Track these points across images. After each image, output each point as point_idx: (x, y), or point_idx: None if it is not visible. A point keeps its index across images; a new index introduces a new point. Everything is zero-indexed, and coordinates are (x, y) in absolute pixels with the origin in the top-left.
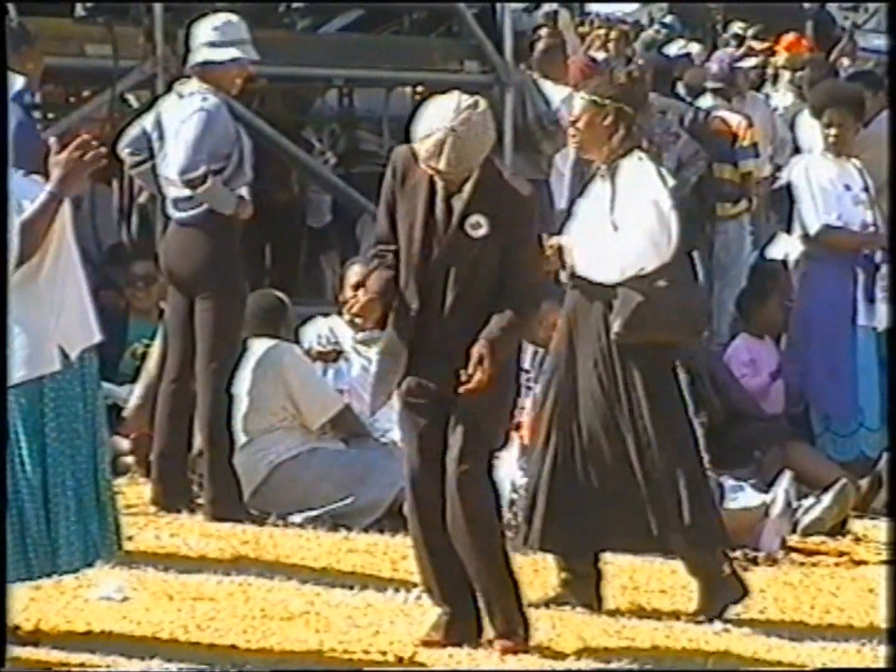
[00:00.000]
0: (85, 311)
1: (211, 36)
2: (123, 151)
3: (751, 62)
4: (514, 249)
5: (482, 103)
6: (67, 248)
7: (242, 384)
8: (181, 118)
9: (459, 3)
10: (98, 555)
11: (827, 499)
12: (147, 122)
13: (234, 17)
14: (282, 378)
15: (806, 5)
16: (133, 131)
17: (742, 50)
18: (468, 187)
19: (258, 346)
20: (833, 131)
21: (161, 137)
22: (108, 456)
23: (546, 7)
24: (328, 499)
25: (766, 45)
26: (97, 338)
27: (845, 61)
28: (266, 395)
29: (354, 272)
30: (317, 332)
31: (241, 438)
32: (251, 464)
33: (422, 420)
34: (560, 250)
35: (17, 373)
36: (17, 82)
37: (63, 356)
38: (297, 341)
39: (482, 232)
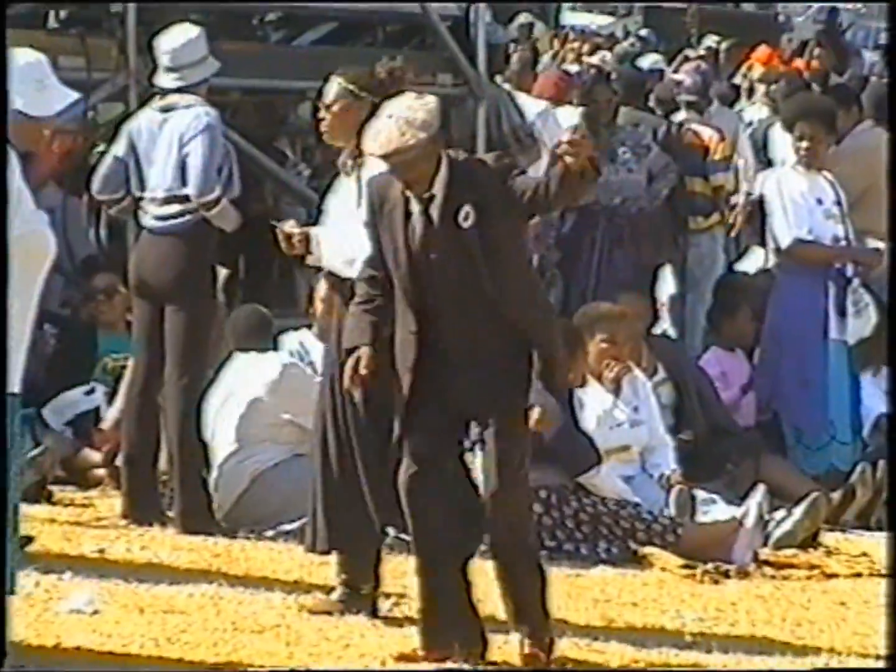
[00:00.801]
0: (17, 354)
1: (197, 53)
2: (100, 195)
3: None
4: (505, 227)
5: (428, 97)
6: (33, 286)
7: (240, 393)
8: (185, 131)
9: (433, 17)
10: None
11: (798, 511)
12: (118, 149)
13: (195, 28)
14: (293, 400)
15: (780, 19)
16: (104, 168)
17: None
18: (439, 187)
19: (246, 360)
20: (804, 144)
21: (138, 159)
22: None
23: (521, 19)
24: (301, 512)
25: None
26: (15, 388)
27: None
28: (269, 409)
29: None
30: (288, 347)
31: (225, 447)
32: (236, 472)
33: (432, 427)
34: (307, 239)
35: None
36: None
37: None
38: None
39: (472, 220)
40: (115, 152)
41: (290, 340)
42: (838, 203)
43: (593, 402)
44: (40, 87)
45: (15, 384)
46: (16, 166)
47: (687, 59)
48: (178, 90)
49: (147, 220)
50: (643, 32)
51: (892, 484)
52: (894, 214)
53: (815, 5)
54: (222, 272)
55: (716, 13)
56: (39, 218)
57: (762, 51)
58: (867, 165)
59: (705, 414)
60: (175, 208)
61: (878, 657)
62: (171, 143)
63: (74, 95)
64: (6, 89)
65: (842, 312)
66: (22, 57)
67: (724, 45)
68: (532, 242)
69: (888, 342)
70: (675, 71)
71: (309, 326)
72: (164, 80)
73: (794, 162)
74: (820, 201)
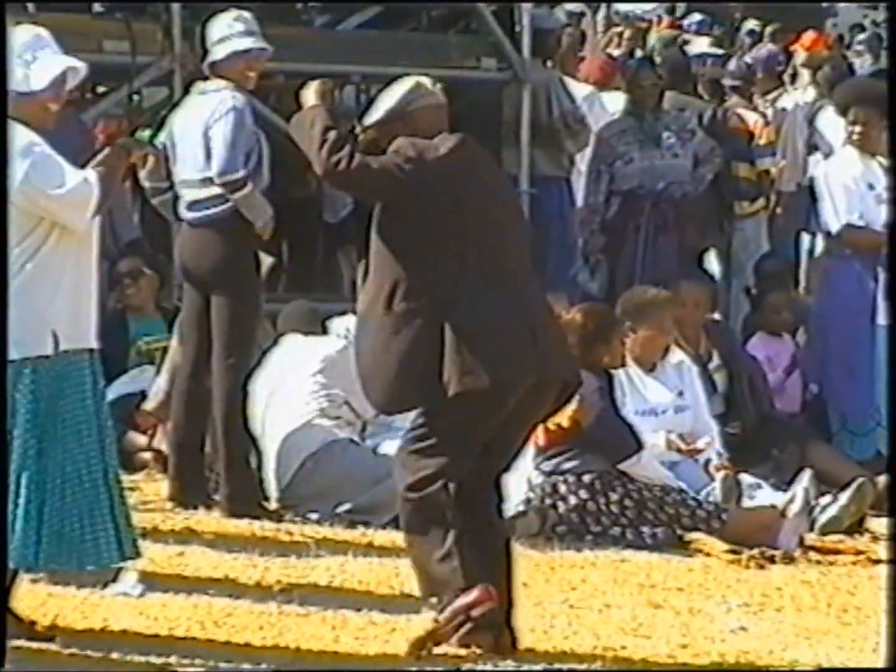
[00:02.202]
0: (87, 312)
1: (218, 34)
2: (145, 182)
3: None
4: None
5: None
6: (89, 240)
7: (299, 371)
8: (210, 114)
9: (477, 1)
10: (111, 557)
11: (844, 497)
12: (163, 136)
13: (240, 12)
14: (349, 379)
15: (825, 3)
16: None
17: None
18: None
19: (298, 342)
20: (858, 129)
21: (174, 143)
22: (116, 455)
23: (569, 6)
24: (351, 495)
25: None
26: (93, 343)
27: (865, 59)
28: (327, 385)
29: None
30: (335, 332)
31: (283, 424)
32: (294, 449)
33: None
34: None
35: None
36: None
37: (54, 344)
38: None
39: None
40: (160, 139)
41: (337, 325)
42: (891, 188)
43: (638, 387)
44: (30, 62)
45: (91, 340)
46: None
47: (733, 45)
48: (210, 71)
49: (182, 211)
50: (695, 17)
51: (892, 484)
52: (893, 211)
53: None
54: (267, 260)
55: None
56: (74, 172)
57: (807, 36)
58: None
59: (755, 402)
60: (205, 193)
61: None
62: (198, 127)
63: (64, 63)
64: (6, 90)
65: (890, 298)
66: (19, 35)
67: (768, 30)
68: (577, 227)
69: (888, 340)
70: (725, 59)
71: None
72: (212, 53)
73: (847, 146)
74: (871, 186)
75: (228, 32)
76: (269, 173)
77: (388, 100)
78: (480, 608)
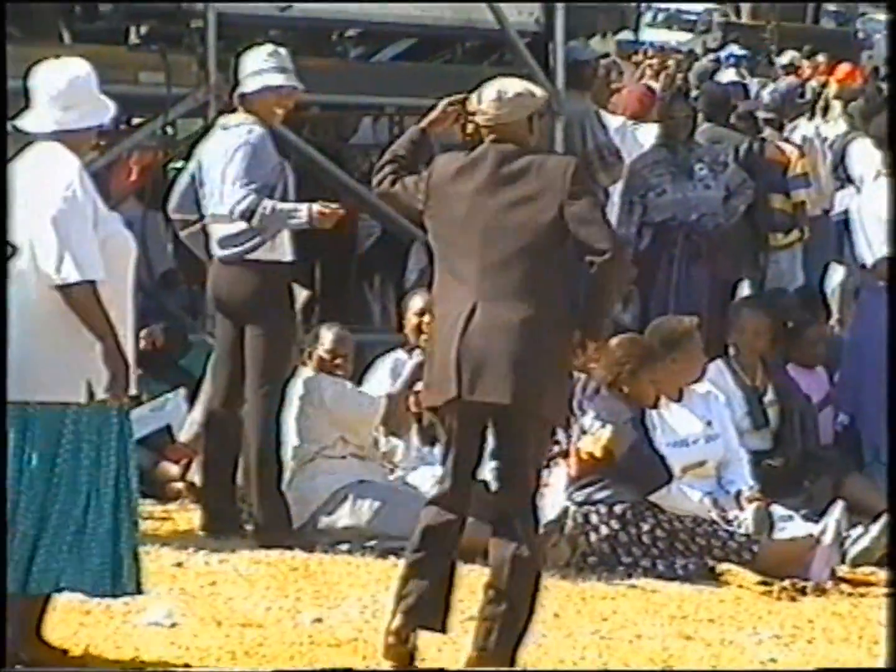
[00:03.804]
0: (124, 359)
1: (251, 67)
2: (174, 214)
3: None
4: None
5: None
6: (124, 286)
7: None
8: (225, 150)
9: (511, 33)
10: (105, 588)
11: (876, 529)
12: (192, 166)
13: (275, 48)
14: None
15: (860, 35)
16: (181, 185)
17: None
18: None
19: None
20: None
21: (202, 178)
22: (137, 502)
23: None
24: (383, 532)
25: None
26: (132, 390)
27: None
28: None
29: (418, 301)
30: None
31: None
32: (312, 487)
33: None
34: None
35: (39, 393)
36: None
37: (89, 393)
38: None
39: None
40: (191, 169)
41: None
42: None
43: (667, 419)
44: (69, 108)
45: (132, 388)
46: (83, 176)
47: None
48: (239, 103)
49: (213, 247)
50: (733, 49)
51: (891, 482)
52: (894, 225)
53: None
54: (302, 293)
55: (794, 29)
56: (115, 219)
57: (841, 68)
58: None
59: (804, 440)
60: (234, 229)
61: None
62: (218, 163)
63: (101, 117)
64: (6, 89)
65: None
66: (56, 72)
67: (805, 63)
68: None
69: (888, 344)
70: (759, 90)
71: (403, 344)
72: (241, 86)
73: (883, 177)
74: None
75: (262, 66)
76: (296, 202)
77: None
78: None
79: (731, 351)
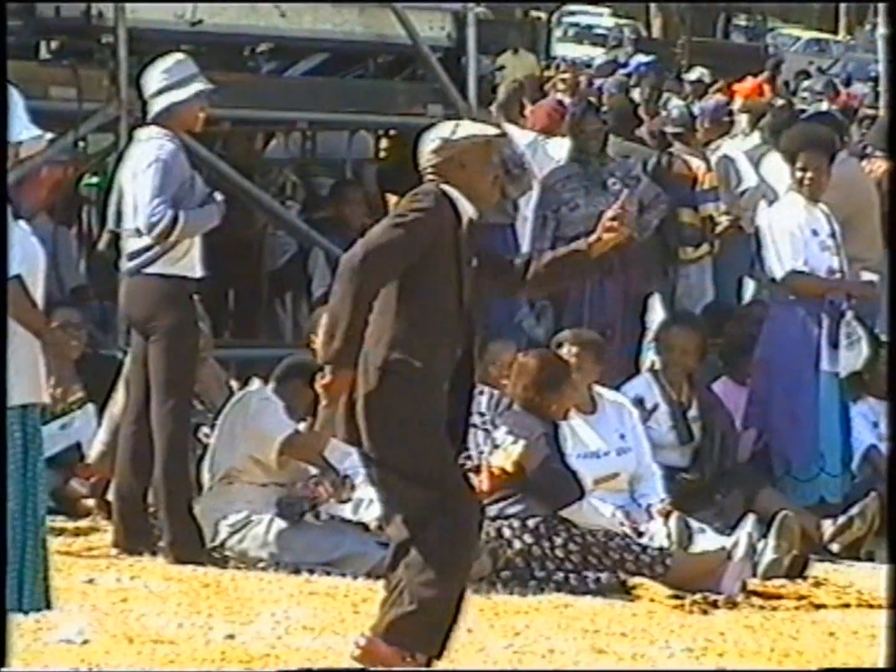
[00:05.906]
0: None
1: (165, 80)
2: (114, 228)
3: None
4: None
5: None
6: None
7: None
8: (136, 166)
9: (423, 48)
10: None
11: (771, 535)
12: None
13: (176, 55)
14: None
15: (770, 50)
16: (113, 205)
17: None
18: None
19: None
20: (809, 174)
21: (120, 193)
22: (44, 518)
23: (509, 52)
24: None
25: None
26: (45, 398)
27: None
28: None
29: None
30: None
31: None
32: (221, 509)
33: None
34: None
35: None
36: None
37: None
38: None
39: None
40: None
41: None
42: (833, 235)
43: (578, 431)
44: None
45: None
46: None
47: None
48: (148, 121)
49: (122, 260)
50: (642, 58)
51: (891, 501)
52: (893, 227)
53: (802, 39)
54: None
55: (705, 45)
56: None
57: (746, 84)
58: (847, 196)
59: (722, 457)
60: (139, 244)
61: None
62: (129, 178)
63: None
64: (6, 89)
65: (834, 344)
66: None
67: (710, 79)
68: None
69: (888, 356)
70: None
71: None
72: (165, 99)
73: (793, 192)
74: (815, 233)
75: (166, 83)
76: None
77: None
78: None
79: (658, 366)
